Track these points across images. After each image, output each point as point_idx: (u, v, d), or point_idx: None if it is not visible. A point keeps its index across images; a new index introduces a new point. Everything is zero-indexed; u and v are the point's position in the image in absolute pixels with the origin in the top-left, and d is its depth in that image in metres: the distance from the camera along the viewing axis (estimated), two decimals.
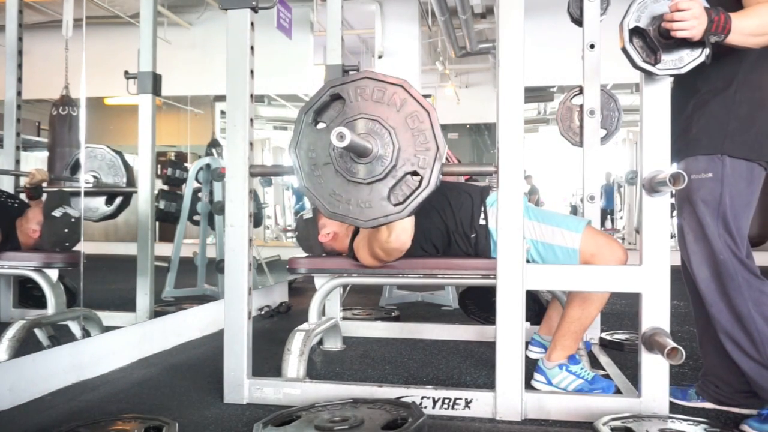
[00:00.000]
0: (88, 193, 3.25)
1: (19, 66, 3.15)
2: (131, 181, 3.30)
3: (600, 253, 1.98)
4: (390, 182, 1.70)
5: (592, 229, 2.07)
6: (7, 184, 3.09)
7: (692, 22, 1.47)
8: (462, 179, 3.13)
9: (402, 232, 2.03)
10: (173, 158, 6.99)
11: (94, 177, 3.24)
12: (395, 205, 1.71)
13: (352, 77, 1.75)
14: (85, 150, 3.28)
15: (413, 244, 2.16)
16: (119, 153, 3.27)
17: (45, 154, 3.52)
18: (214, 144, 6.13)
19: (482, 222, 2.13)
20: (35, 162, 4.05)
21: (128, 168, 3.19)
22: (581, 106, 2.83)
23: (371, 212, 1.72)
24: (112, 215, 3.28)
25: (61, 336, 2.44)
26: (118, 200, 3.23)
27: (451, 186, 2.28)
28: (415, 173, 1.70)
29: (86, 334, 2.49)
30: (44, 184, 2.79)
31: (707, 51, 1.53)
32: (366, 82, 1.73)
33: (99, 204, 3.27)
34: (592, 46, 2.71)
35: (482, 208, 2.14)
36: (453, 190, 2.23)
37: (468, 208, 2.15)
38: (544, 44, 6.46)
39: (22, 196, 2.94)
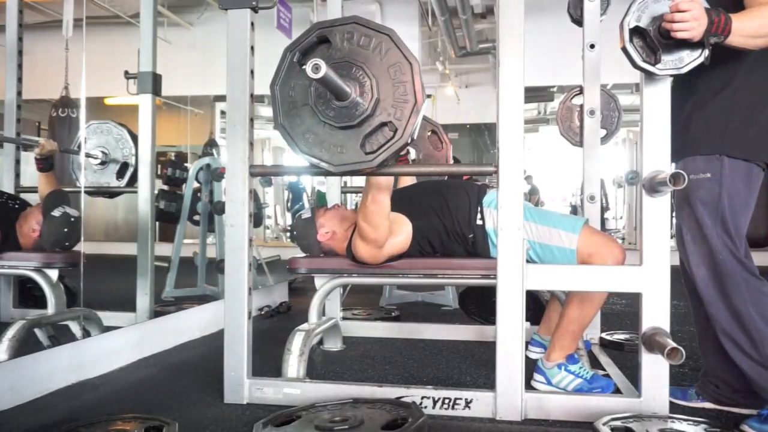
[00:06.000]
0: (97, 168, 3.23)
1: (20, 66, 3.15)
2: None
3: (598, 252, 1.98)
4: (365, 130, 1.69)
5: (590, 229, 2.07)
6: (7, 185, 3.09)
7: (692, 23, 1.47)
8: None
9: (380, 225, 2.01)
10: (173, 158, 6.99)
11: (103, 152, 3.21)
12: (367, 153, 1.69)
13: (341, 20, 1.74)
14: (91, 126, 3.26)
15: (412, 244, 2.16)
16: (125, 126, 3.23)
17: None
18: (211, 144, 6.13)
19: (479, 222, 2.11)
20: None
21: (135, 139, 3.13)
22: (581, 106, 2.83)
23: (343, 157, 1.70)
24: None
25: (61, 336, 2.44)
26: (129, 172, 3.17)
27: (449, 184, 2.26)
28: (390, 124, 1.68)
29: (86, 334, 2.50)
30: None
31: (706, 52, 1.53)
32: (354, 27, 1.71)
33: (110, 178, 3.24)
34: (592, 46, 2.71)
35: (479, 208, 2.12)
36: (450, 188, 2.22)
37: (465, 208, 2.13)
38: (545, 44, 6.46)
39: (22, 195, 2.94)
